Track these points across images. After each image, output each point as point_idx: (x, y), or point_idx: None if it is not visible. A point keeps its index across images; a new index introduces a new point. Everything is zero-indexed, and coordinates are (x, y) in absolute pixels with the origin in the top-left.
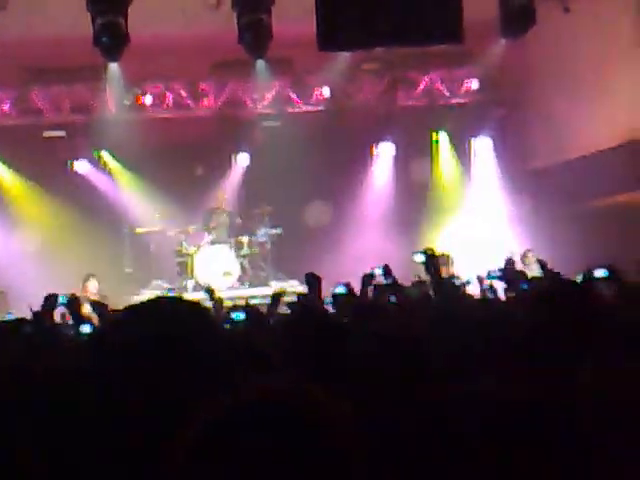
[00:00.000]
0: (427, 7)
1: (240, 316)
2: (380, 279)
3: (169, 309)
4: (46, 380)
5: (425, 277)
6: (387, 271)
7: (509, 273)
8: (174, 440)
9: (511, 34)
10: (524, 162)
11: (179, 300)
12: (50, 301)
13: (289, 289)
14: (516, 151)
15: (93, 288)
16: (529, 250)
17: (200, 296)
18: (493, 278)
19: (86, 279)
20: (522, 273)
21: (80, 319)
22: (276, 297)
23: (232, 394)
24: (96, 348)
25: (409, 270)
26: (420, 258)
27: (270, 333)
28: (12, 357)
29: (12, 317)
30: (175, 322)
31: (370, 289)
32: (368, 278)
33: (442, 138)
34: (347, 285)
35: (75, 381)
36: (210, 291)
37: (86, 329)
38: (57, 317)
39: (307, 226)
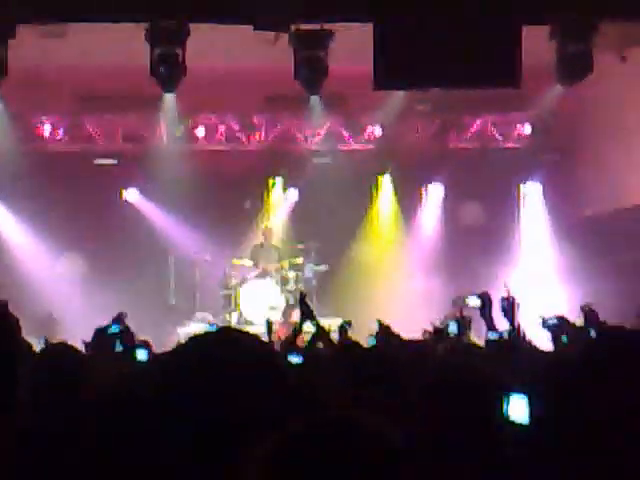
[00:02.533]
0: (485, 50)
1: (296, 359)
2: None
3: (237, 339)
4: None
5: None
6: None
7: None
8: (242, 461)
9: (567, 80)
10: (575, 209)
11: (246, 333)
12: (101, 334)
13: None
14: (567, 197)
15: None
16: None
17: (243, 329)
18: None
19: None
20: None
21: (132, 345)
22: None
23: (299, 423)
24: (164, 372)
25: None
26: (474, 302)
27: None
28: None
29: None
30: (241, 352)
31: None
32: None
33: (492, 181)
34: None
35: (139, 407)
36: (269, 324)
37: (142, 355)
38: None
39: (354, 264)
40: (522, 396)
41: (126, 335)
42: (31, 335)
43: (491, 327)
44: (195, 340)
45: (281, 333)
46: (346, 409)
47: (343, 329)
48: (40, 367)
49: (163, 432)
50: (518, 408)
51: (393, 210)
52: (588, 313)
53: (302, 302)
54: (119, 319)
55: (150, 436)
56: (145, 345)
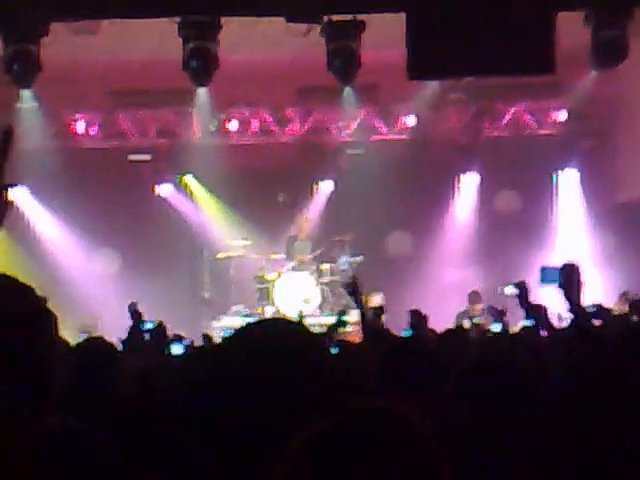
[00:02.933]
0: (519, 37)
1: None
2: None
3: (288, 329)
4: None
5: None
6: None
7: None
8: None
9: (602, 66)
10: (612, 195)
11: (297, 323)
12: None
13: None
14: (604, 184)
15: None
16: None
17: None
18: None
19: None
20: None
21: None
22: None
23: (338, 411)
24: (212, 362)
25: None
26: (511, 291)
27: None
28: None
29: None
30: (293, 342)
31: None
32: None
33: (527, 169)
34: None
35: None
36: (301, 317)
37: (178, 349)
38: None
39: (389, 255)
40: None
41: (159, 330)
42: (70, 331)
43: (528, 315)
44: (244, 331)
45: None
46: (378, 399)
47: (377, 315)
48: (75, 363)
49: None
50: None
51: (428, 200)
52: (633, 302)
53: (353, 289)
54: (133, 310)
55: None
56: (179, 339)
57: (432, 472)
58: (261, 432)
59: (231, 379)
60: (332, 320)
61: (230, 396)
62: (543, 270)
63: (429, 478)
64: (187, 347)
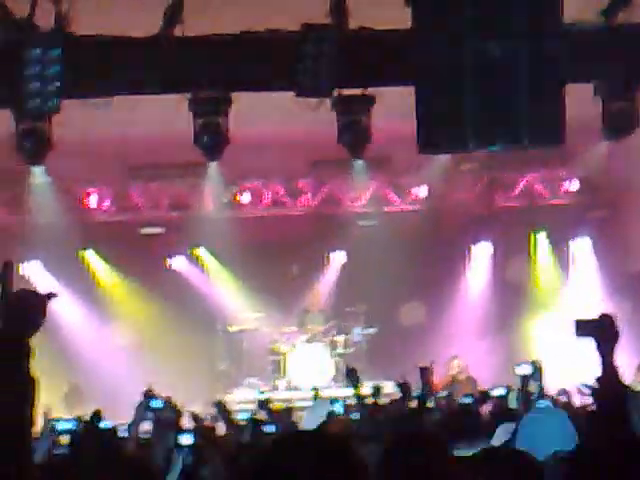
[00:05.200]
0: (528, 108)
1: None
2: None
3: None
4: None
5: None
6: None
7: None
8: None
9: (613, 136)
10: (624, 263)
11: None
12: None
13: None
14: (616, 253)
15: None
16: None
17: (292, 395)
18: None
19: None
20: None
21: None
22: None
23: None
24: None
25: (502, 376)
26: (526, 370)
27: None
28: None
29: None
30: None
31: None
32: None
33: (541, 239)
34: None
35: None
36: (316, 391)
37: (187, 440)
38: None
39: (402, 326)
40: None
41: (168, 413)
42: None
43: (541, 395)
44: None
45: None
46: None
47: (376, 392)
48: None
49: None
50: None
51: (441, 270)
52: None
53: (349, 374)
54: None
55: None
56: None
57: None
58: None
59: None
60: (346, 392)
61: None
62: (578, 323)
63: None
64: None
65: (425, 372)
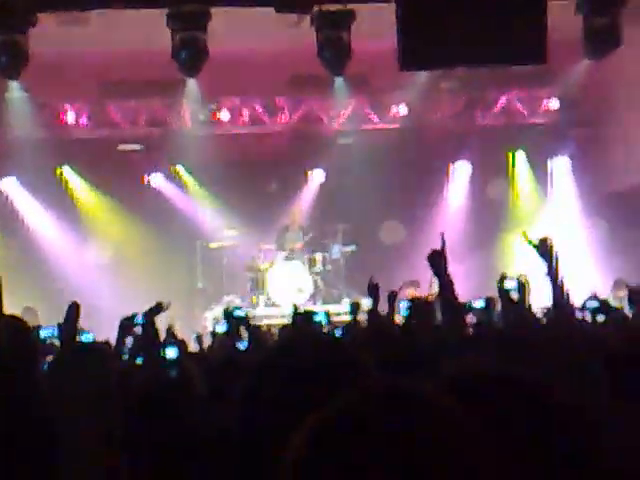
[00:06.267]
0: (511, 26)
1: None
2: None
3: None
4: None
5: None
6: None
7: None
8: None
9: (595, 54)
10: (603, 183)
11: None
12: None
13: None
14: (595, 172)
15: None
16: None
17: (271, 312)
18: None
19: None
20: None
21: (158, 342)
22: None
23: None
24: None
25: (480, 291)
26: (511, 284)
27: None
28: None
29: (90, 337)
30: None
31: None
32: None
33: (519, 158)
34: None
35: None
36: (295, 308)
37: (172, 353)
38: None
39: (381, 244)
40: None
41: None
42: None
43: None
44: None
45: None
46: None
47: (354, 308)
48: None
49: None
50: None
51: (420, 188)
52: (632, 291)
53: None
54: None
55: None
56: (173, 339)
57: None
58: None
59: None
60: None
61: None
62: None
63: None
64: (180, 350)
65: (373, 289)
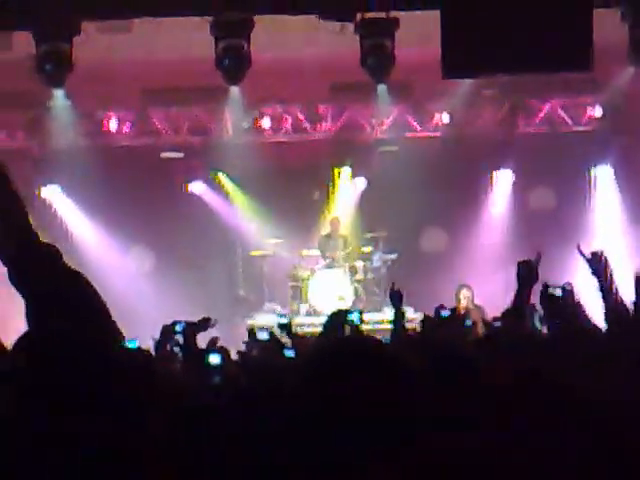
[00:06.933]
0: (556, 34)
1: None
2: None
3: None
4: None
5: None
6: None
7: None
8: None
9: (639, 63)
10: None
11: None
12: (167, 331)
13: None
14: (638, 181)
15: None
16: None
17: (312, 320)
18: None
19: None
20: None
21: (197, 349)
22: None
23: None
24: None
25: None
26: (556, 292)
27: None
28: None
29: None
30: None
31: None
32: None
33: (562, 166)
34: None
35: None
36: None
37: (216, 360)
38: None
39: (422, 252)
40: None
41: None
42: None
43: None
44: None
45: None
46: None
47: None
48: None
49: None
50: None
51: (462, 196)
52: None
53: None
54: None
55: None
56: (213, 346)
57: None
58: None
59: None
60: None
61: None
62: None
63: None
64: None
65: (396, 297)
